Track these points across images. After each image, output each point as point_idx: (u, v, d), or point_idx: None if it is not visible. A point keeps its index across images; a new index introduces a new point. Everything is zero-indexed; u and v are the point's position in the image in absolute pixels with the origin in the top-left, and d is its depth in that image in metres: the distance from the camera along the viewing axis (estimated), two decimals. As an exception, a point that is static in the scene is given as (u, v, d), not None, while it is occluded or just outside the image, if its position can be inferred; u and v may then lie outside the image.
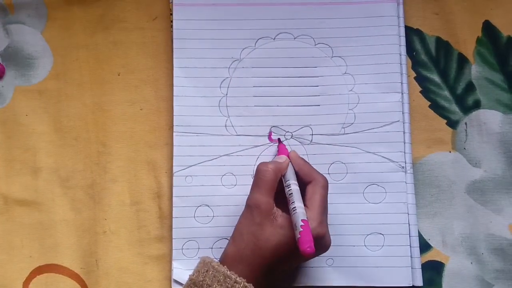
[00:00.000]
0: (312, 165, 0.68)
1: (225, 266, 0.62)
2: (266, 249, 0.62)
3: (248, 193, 0.66)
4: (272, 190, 0.64)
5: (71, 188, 0.75)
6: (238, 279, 0.60)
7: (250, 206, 0.64)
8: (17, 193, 0.74)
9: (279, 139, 0.73)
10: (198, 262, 0.64)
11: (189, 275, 0.63)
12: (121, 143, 0.75)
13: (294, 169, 0.68)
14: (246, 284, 0.60)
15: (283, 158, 0.68)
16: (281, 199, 0.65)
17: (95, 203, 0.74)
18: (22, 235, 0.74)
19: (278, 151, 0.72)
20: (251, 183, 0.66)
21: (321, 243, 0.63)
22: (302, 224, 0.60)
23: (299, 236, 0.59)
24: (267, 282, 0.63)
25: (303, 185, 0.66)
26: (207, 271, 0.62)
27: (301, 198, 0.64)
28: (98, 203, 0.74)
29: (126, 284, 0.73)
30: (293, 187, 0.64)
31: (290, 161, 0.68)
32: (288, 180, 0.65)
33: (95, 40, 0.77)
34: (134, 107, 0.76)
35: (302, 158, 0.69)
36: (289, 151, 0.70)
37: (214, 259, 0.64)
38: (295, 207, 0.62)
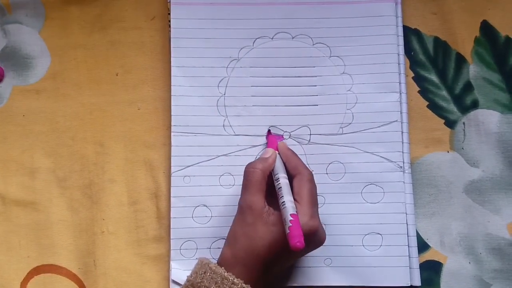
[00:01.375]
0: (299, 158, 0.68)
1: (222, 268, 0.62)
2: (260, 248, 0.62)
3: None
4: (262, 189, 0.64)
5: (69, 188, 0.74)
6: (235, 280, 0.60)
7: (242, 207, 0.64)
8: (14, 194, 0.74)
9: (268, 130, 0.73)
10: (196, 264, 0.64)
11: (187, 277, 0.63)
12: (119, 143, 0.75)
13: (282, 160, 0.68)
14: (244, 285, 0.60)
15: (269, 152, 0.68)
16: (273, 192, 0.65)
17: (93, 203, 0.74)
18: (19, 235, 0.74)
19: (267, 143, 0.72)
20: (241, 185, 0.66)
21: (315, 237, 0.63)
22: (291, 218, 0.60)
23: (289, 231, 0.59)
24: (264, 283, 0.63)
25: (289, 177, 0.66)
26: (204, 272, 0.62)
27: (290, 191, 0.64)
28: (95, 203, 0.74)
29: (124, 284, 0.73)
30: (282, 180, 0.65)
31: (279, 153, 0.68)
32: (277, 174, 0.66)
33: (92, 39, 0.77)
34: (132, 107, 0.76)
35: (290, 150, 0.69)
36: (278, 142, 0.70)
37: (212, 261, 0.64)
38: (284, 201, 0.62)
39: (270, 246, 0.62)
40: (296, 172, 0.66)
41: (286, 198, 0.62)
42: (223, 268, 0.62)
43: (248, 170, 0.65)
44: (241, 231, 0.63)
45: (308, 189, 0.64)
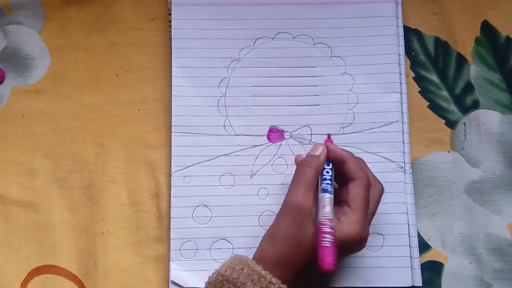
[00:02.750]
0: (360, 161, 0.66)
1: (260, 266, 0.60)
2: (307, 248, 0.60)
3: (287, 192, 0.64)
4: (312, 189, 0.62)
5: (69, 189, 0.74)
6: (273, 279, 0.58)
7: (291, 206, 0.62)
8: (14, 194, 0.74)
9: (328, 134, 0.72)
10: (231, 258, 0.62)
11: (218, 271, 0.61)
12: (119, 143, 0.75)
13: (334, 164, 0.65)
14: (281, 285, 0.58)
15: (320, 149, 0.65)
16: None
17: (93, 204, 0.74)
18: (19, 236, 0.74)
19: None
20: (290, 182, 0.64)
21: (361, 245, 0.63)
22: (332, 240, 0.58)
23: (322, 251, 0.58)
24: (301, 283, 0.62)
25: (344, 179, 0.64)
26: (242, 269, 0.59)
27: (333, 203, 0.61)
28: (96, 204, 0.74)
29: (124, 285, 0.72)
30: (328, 194, 0.62)
31: (330, 155, 0.65)
32: (327, 185, 0.63)
33: (92, 40, 0.77)
34: (132, 107, 0.76)
35: (347, 151, 0.65)
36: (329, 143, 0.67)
37: (249, 258, 0.62)
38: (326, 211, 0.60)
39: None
40: (355, 175, 0.63)
41: (327, 209, 0.60)
42: (261, 266, 0.60)
43: (302, 168, 0.63)
44: (289, 231, 0.61)
45: (364, 198, 0.62)
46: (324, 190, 0.62)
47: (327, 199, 0.61)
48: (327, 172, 0.64)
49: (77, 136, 0.75)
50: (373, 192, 0.64)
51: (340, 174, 0.64)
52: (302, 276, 0.62)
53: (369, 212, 0.63)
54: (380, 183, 0.65)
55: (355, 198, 0.62)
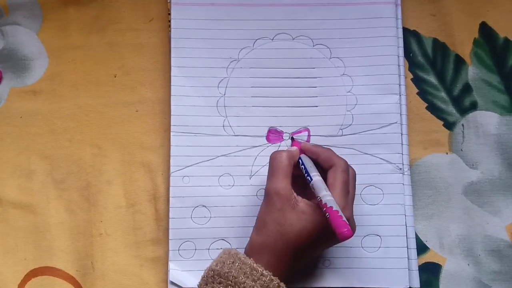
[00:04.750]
0: (330, 149, 0.67)
1: (251, 259, 0.61)
2: (290, 234, 0.61)
3: (266, 182, 0.65)
4: (288, 176, 0.64)
5: (66, 190, 0.74)
6: (264, 272, 0.60)
7: (269, 193, 0.64)
8: (11, 196, 0.74)
9: (292, 137, 0.73)
10: (221, 253, 0.64)
11: (209, 266, 0.62)
12: (116, 145, 0.75)
13: (311, 159, 0.67)
14: (272, 277, 0.60)
15: (293, 148, 0.68)
16: (299, 190, 0.65)
17: (91, 205, 0.74)
18: (17, 237, 0.73)
19: (291, 145, 0.73)
20: (267, 173, 0.66)
21: None
22: (335, 209, 0.59)
23: (333, 222, 0.59)
24: (292, 272, 0.63)
25: (324, 171, 0.65)
26: (233, 262, 0.61)
27: (325, 186, 0.63)
28: (93, 205, 0.74)
29: (121, 286, 0.72)
30: (315, 178, 0.64)
31: (305, 153, 0.68)
32: (310, 173, 0.65)
33: (90, 41, 0.77)
34: (129, 109, 0.76)
35: (318, 145, 0.68)
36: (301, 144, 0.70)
37: (239, 251, 0.63)
38: (324, 194, 0.61)
39: (300, 233, 0.61)
40: (330, 163, 0.65)
41: (322, 193, 0.62)
42: (252, 258, 0.61)
43: (274, 156, 0.66)
44: (270, 217, 0.63)
45: (342, 180, 0.64)
46: (310, 179, 0.64)
47: (319, 182, 0.63)
48: (301, 163, 0.66)
49: (74, 137, 0.75)
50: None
51: (322, 170, 0.66)
52: (291, 262, 0.63)
53: (350, 194, 0.64)
54: (351, 167, 0.67)
55: (334, 182, 0.63)
